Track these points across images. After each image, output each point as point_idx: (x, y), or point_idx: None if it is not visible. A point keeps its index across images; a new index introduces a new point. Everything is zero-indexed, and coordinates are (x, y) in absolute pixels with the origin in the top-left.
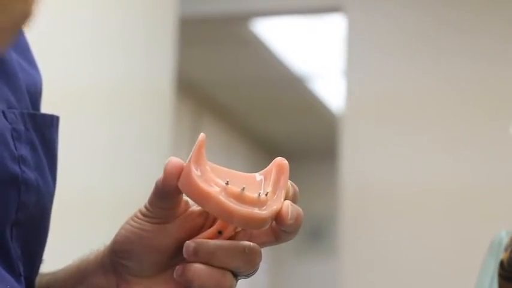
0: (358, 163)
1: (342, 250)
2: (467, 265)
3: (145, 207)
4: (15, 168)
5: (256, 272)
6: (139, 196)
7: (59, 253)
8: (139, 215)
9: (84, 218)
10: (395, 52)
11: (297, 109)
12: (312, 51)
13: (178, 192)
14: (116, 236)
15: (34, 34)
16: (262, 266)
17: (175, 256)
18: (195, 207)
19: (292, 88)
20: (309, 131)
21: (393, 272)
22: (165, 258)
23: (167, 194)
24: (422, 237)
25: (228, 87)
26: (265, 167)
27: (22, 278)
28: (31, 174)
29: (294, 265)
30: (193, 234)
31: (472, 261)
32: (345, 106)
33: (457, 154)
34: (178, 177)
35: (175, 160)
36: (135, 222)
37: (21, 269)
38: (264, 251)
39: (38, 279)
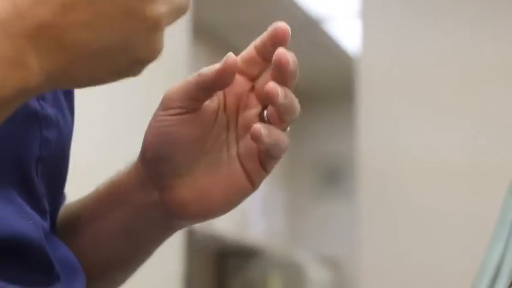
0: (374, 105)
1: (360, 193)
2: (483, 232)
3: (168, 103)
4: (35, 103)
5: (275, 216)
6: None
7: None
8: (161, 113)
9: None
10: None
11: (312, 51)
12: None
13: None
14: (144, 145)
15: None
16: (280, 208)
17: (206, 142)
18: None
19: (307, 30)
20: (325, 73)
21: (411, 216)
22: (197, 147)
23: (218, 86)
24: (441, 183)
25: (244, 30)
26: None
27: (47, 215)
28: (50, 110)
29: (312, 208)
30: (212, 115)
31: (488, 228)
32: (361, 48)
33: (481, 124)
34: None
35: (234, 57)
36: (159, 122)
37: (46, 206)
38: (282, 193)
39: (63, 211)
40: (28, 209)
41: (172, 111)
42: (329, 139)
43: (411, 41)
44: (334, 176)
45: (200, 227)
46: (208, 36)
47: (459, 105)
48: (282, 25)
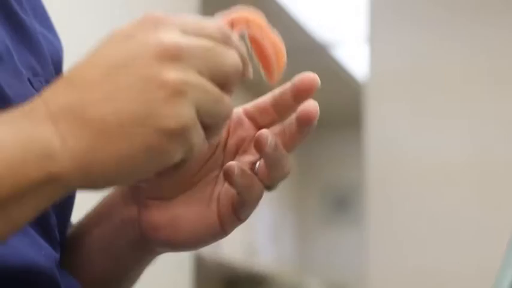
0: (382, 131)
1: (368, 219)
2: (495, 236)
3: None
4: None
5: (284, 243)
6: None
7: None
8: None
9: None
10: (420, 19)
11: (320, 77)
12: (335, 18)
13: None
14: None
15: None
16: (289, 235)
17: (196, 174)
18: None
19: (315, 56)
20: (333, 99)
21: (419, 242)
22: (185, 176)
23: None
24: (449, 206)
25: (250, 56)
26: None
27: (58, 245)
28: None
29: (321, 234)
30: (210, 150)
31: (500, 232)
32: (369, 73)
33: (486, 126)
34: None
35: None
36: None
37: (58, 236)
38: (291, 220)
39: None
40: (40, 240)
41: None
42: (337, 165)
43: (419, 65)
44: (342, 203)
45: (209, 253)
46: None
47: (466, 121)
48: (309, 77)
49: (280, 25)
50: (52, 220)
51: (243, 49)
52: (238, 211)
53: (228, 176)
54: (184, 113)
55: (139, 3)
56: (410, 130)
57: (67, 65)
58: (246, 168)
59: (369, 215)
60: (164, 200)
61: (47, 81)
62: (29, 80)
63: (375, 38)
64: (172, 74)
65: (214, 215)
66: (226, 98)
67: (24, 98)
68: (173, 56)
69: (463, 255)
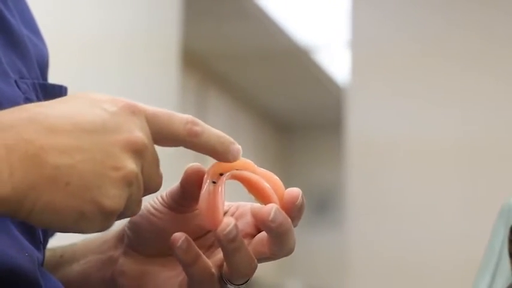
0: (363, 134)
1: (348, 222)
2: (477, 226)
3: (165, 195)
4: None
5: None
6: None
7: None
8: (159, 198)
9: None
10: (401, 22)
11: (302, 81)
12: (317, 23)
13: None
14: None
15: None
16: None
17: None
18: None
19: (297, 60)
20: (314, 103)
21: (400, 244)
22: (167, 245)
23: (186, 195)
24: (430, 206)
25: (233, 59)
26: (270, 140)
27: (41, 246)
28: None
29: (301, 236)
30: (200, 232)
31: (482, 221)
32: (350, 77)
33: (468, 116)
34: (198, 185)
35: (196, 167)
36: (151, 205)
37: (41, 237)
38: None
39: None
40: (24, 241)
41: (166, 205)
42: (318, 168)
43: (401, 69)
44: (323, 205)
45: None
46: (197, 65)
47: (450, 119)
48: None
49: (262, 29)
50: None
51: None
52: None
53: (172, 245)
54: (122, 199)
55: (125, 4)
56: (390, 133)
57: (52, 69)
58: (194, 245)
59: (349, 216)
60: (142, 254)
61: (33, 84)
62: (15, 82)
63: (356, 42)
64: (129, 164)
65: (182, 286)
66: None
67: (11, 100)
68: (137, 150)
69: (447, 250)
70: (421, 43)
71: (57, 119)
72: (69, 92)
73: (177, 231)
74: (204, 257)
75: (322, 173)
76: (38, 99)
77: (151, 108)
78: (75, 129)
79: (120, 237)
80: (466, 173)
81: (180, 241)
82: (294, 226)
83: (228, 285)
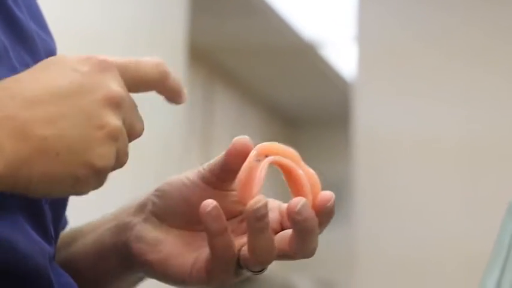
0: (370, 129)
1: (355, 217)
2: (483, 222)
3: (202, 168)
4: None
5: None
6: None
7: None
8: (195, 171)
9: None
10: (408, 18)
11: (309, 76)
12: (324, 18)
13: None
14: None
15: None
16: None
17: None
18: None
19: (303, 55)
20: (321, 98)
21: (408, 239)
22: (193, 218)
23: (227, 167)
24: (436, 201)
25: (240, 54)
26: (276, 135)
27: (53, 241)
28: None
29: None
30: (228, 215)
31: (488, 218)
32: (357, 73)
33: (474, 112)
34: (242, 158)
35: (244, 140)
36: (186, 176)
37: (52, 232)
38: None
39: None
40: (35, 235)
41: (202, 177)
42: (326, 163)
43: (408, 65)
44: None
45: None
46: (204, 60)
47: (455, 116)
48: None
49: (269, 24)
50: (47, 216)
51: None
52: (209, 272)
53: (201, 212)
54: (112, 155)
55: (128, 4)
56: (397, 129)
57: None
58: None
59: (356, 211)
60: (164, 223)
61: None
62: None
63: (363, 37)
64: (112, 120)
65: (189, 262)
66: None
67: None
68: (116, 104)
69: (453, 245)
70: (427, 39)
71: (34, 90)
72: None
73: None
74: (230, 233)
75: (329, 168)
76: None
77: (120, 58)
78: (52, 97)
79: (142, 205)
80: (472, 169)
81: (211, 207)
82: (320, 231)
83: (244, 271)
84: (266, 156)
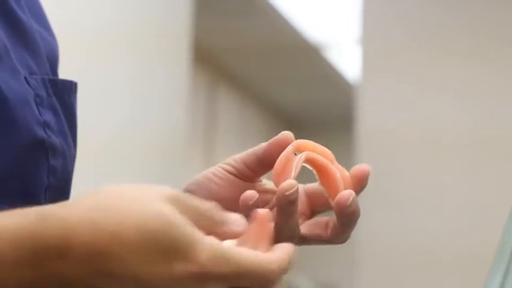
0: (374, 131)
1: (360, 218)
2: (487, 218)
3: (234, 161)
4: (42, 133)
5: None
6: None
7: None
8: (222, 166)
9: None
10: (411, 19)
11: (312, 78)
12: (328, 19)
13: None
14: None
15: None
16: None
17: (253, 177)
18: None
19: (307, 57)
20: (325, 100)
21: (411, 239)
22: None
23: (267, 156)
24: (440, 201)
25: (244, 56)
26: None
27: None
28: (56, 139)
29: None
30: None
31: (492, 213)
32: (361, 74)
33: (478, 113)
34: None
35: (289, 135)
36: (212, 173)
37: None
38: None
39: None
40: None
41: (230, 170)
42: None
43: (411, 66)
44: None
45: None
46: (208, 61)
47: (460, 118)
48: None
49: (273, 25)
50: None
51: None
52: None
53: (242, 203)
54: None
55: (133, 5)
56: (401, 130)
57: (61, 63)
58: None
59: (361, 212)
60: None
61: (43, 80)
62: (25, 78)
63: (366, 39)
64: None
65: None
66: None
67: (20, 97)
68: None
69: (458, 243)
70: (431, 40)
71: (120, 230)
72: (78, 87)
73: (235, 200)
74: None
75: None
76: (48, 95)
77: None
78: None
79: None
80: (476, 167)
81: (255, 200)
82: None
83: None
84: (302, 151)
